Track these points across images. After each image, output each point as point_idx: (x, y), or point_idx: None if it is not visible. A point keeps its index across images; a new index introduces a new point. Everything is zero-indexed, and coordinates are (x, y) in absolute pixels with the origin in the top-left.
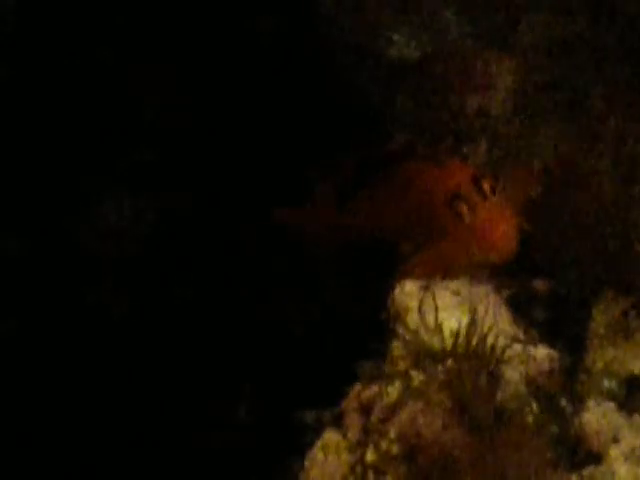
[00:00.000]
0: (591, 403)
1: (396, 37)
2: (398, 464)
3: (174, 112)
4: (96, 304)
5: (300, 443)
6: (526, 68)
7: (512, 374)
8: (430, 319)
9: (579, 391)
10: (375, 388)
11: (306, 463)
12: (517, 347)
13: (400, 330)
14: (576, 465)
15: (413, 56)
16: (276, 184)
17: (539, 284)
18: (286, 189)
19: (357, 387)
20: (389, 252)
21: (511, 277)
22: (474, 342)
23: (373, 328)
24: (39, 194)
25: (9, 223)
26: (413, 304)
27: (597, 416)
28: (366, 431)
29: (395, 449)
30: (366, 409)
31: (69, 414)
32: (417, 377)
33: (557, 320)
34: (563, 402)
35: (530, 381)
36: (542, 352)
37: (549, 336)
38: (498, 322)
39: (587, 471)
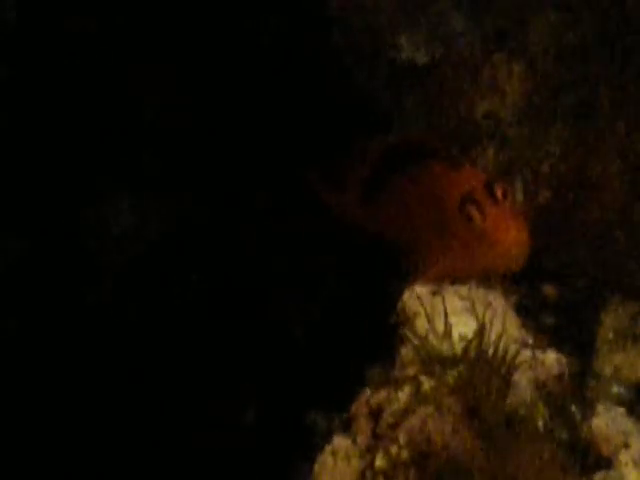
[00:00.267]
0: (600, 408)
1: (405, 41)
2: (408, 469)
3: (174, 112)
4: (97, 305)
5: (310, 448)
6: (534, 73)
7: (521, 379)
8: (439, 324)
9: (588, 396)
10: (384, 393)
11: (316, 468)
12: (526, 352)
13: (409, 335)
14: (586, 470)
15: (422, 60)
16: (276, 184)
17: (548, 289)
18: (285, 189)
19: (366, 392)
20: (399, 256)
21: (520, 282)
22: (484, 347)
23: (382, 333)
24: (39, 194)
25: (9, 223)
26: (422, 309)
27: (606, 421)
28: (376, 436)
29: (405, 454)
30: (376, 414)
31: (70, 414)
32: (427, 382)
33: (566, 325)
34: (572, 407)
35: (539, 386)
36: (551, 357)
37: (558, 341)
38: (507, 327)
39: (597, 476)
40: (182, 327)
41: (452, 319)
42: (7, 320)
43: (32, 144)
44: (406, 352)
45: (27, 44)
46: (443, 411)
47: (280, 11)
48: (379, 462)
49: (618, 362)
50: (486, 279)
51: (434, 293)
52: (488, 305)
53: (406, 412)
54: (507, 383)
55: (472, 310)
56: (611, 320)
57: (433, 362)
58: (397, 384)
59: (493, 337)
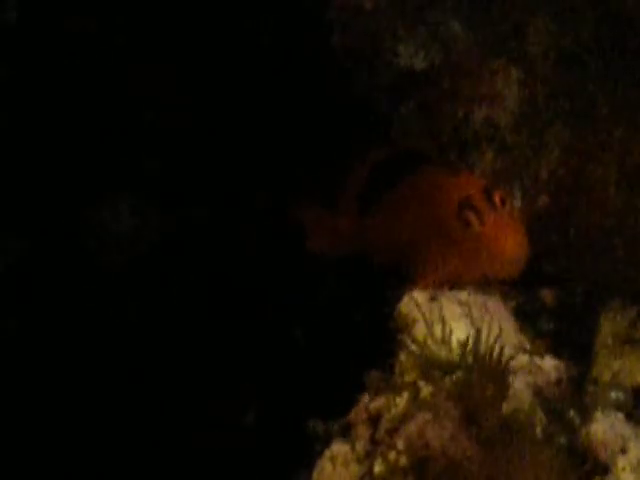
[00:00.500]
0: (598, 414)
1: (403, 47)
2: (406, 475)
3: (174, 112)
4: (97, 305)
5: (308, 454)
6: (533, 78)
7: (519, 385)
8: (438, 330)
9: (586, 402)
10: (383, 399)
11: (314, 474)
12: (524, 358)
13: (408, 341)
14: (584, 476)
15: (421, 66)
16: (275, 184)
17: (546, 294)
18: (285, 189)
19: (365, 398)
20: (397, 263)
21: (518, 287)
22: (481, 353)
23: (381, 339)
24: (39, 194)
25: (9, 223)
26: (421, 315)
27: (605, 427)
28: (374, 442)
29: (403, 460)
30: (374, 420)
31: (70, 414)
32: (425, 388)
33: (564, 330)
34: (570, 413)
35: (537, 392)
36: (549, 363)
37: (556, 346)
38: (505, 332)
39: None
40: (182, 327)
41: (451, 325)
42: (7, 320)
43: (32, 144)
44: (405, 358)
45: (28, 44)
46: (442, 417)
47: (280, 11)
48: (378, 468)
49: (616, 367)
50: (485, 284)
51: (433, 299)
52: (486, 310)
53: (405, 418)
54: (503, 388)
55: (470, 316)
56: (610, 325)
57: (432, 368)
58: (396, 390)
59: (490, 342)
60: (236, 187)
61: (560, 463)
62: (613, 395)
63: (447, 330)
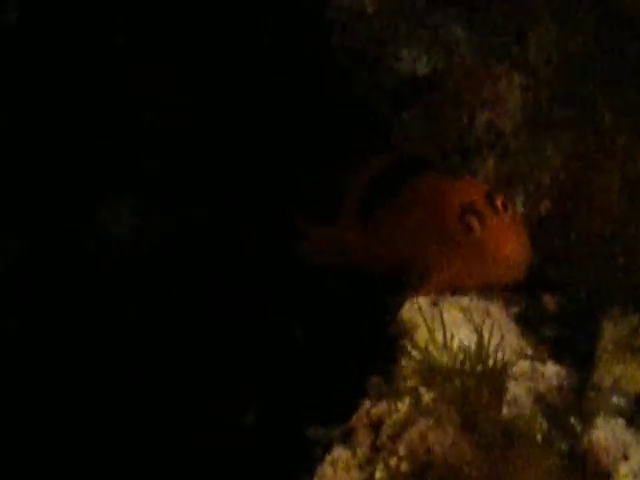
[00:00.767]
0: (600, 420)
1: (406, 52)
2: None
3: (174, 112)
4: (97, 305)
5: (309, 459)
6: (535, 83)
7: (521, 391)
8: (440, 335)
9: (588, 408)
10: (384, 405)
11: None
12: (525, 364)
13: (409, 346)
14: None
15: (423, 71)
16: (275, 185)
17: (548, 300)
18: (285, 189)
19: (366, 403)
20: (400, 268)
21: (519, 293)
22: (483, 359)
23: (383, 344)
24: (39, 194)
25: (9, 223)
26: (422, 320)
27: (606, 433)
28: (376, 448)
29: (405, 466)
30: (375, 426)
31: (70, 414)
32: (427, 394)
33: (566, 336)
34: (572, 419)
35: (539, 398)
36: (551, 369)
37: (558, 352)
38: (506, 338)
39: None
40: (182, 327)
41: (452, 330)
42: (7, 320)
43: (32, 144)
44: (406, 363)
45: (28, 44)
46: (443, 423)
47: (280, 11)
48: (379, 474)
49: (618, 373)
50: (487, 290)
51: (434, 304)
52: (488, 316)
53: (406, 424)
54: (504, 394)
55: (472, 321)
56: (611, 331)
57: (433, 374)
58: (397, 395)
59: (491, 348)
60: (236, 187)
61: (561, 469)
62: (614, 401)
63: (448, 336)
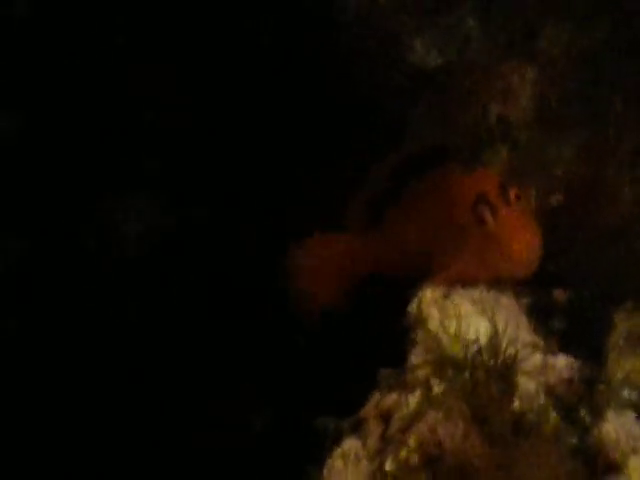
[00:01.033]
0: (610, 413)
1: (418, 45)
2: (417, 473)
3: (174, 112)
4: (97, 305)
5: (319, 451)
6: (547, 78)
7: (531, 384)
8: (451, 327)
9: (598, 401)
10: (395, 396)
11: (325, 471)
12: (537, 357)
13: (420, 338)
14: (595, 475)
15: (434, 64)
16: (275, 185)
17: (559, 293)
18: (285, 190)
19: (377, 395)
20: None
21: (531, 286)
22: (494, 351)
23: (394, 336)
24: (40, 194)
25: (9, 223)
26: (434, 312)
27: (616, 426)
28: (385, 440)
29: (415, 458)
30: (386, 417)
31: (71, 414)
32: (437, 386)
33: (576, 330)
34: (582, 412)
35: (549, 391)
36: (561, 362)
37: (568, 346)
38: (518, 331)
39: None
40: (182, 327)
41: (463, 322)
42: (7, 320)
43: (32, 144)
44: (417, 355)
45: (27, 44)
46: (453, 415)
47: (280, 11)
48: (389, 465)
49: (629, 367)
50: (498, 282)
51: (446, 296)
52: (499, 309)
53: (416, 416)
54: (515, 387)
55: (483, 314)
56: (622, 325)
57: (444, 366)
58: (408, 387)
59: (503, 341)
60: (236, 187)
61: (571, 462)
62: (625, 394)
63: (460, 327)
